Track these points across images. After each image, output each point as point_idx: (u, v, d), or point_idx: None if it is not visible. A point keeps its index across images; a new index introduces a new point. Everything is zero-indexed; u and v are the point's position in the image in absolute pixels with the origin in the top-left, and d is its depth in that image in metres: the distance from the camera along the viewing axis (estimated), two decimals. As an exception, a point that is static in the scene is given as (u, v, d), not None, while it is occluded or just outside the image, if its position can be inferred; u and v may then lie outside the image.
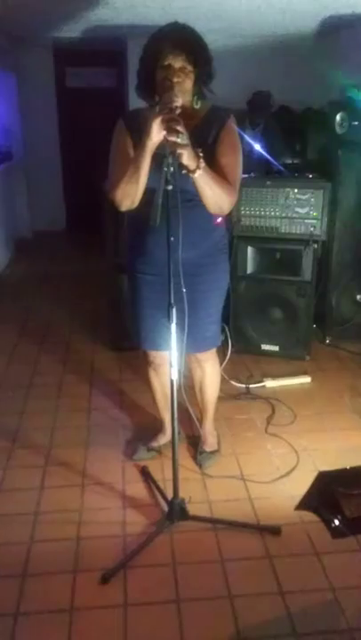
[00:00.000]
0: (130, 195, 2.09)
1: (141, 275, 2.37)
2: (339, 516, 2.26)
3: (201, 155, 1.97)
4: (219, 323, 2.54)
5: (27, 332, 4.26)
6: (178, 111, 1.91)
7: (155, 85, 2.08)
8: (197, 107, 2.16)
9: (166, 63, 2.03)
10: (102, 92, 7.07)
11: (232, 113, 2.21)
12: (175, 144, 1.86)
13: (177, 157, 1.89)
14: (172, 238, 1.98)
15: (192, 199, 2.09)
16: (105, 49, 6.53)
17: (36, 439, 2.91)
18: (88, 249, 6.10)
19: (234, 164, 2.17)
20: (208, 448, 2.74)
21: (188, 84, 2.06)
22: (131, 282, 2.46)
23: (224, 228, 2.44)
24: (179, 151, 1.88)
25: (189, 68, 2.04)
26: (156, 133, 1.91)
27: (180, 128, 1.87)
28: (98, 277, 4.95)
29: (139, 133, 2.03)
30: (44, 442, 2.88)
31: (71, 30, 5.56)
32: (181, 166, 1.94)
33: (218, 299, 2.47)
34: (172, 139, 1.86)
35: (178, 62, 2.03)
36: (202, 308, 2.35)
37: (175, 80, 2.02)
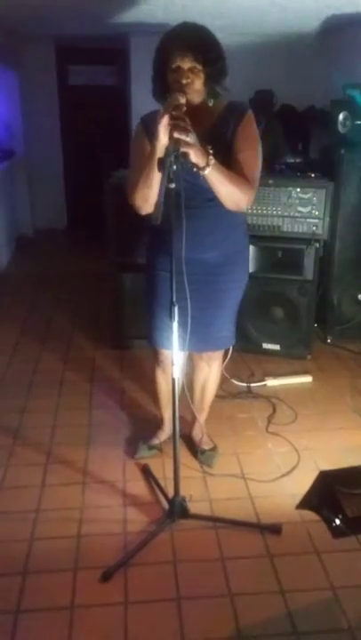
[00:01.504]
0: (147, 198, 2.09)
1: (160, 271, 2.36)
2: (339, 516, 2.26)
3: (211, 152, 1.96)
4: (234, 321, 2.54)
5: (28, 329, 4.26)
6: (183, 109, 1.92)
7: (168, 88, 2.08)
8: (211, 104, 2.15)
9: (175, 65, 2.03)
10: (104, 89, 7.05)
11: (249, 107, 2.20)
12: (181, 142, 1.85)
13: (183, 156, 1.88)
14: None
15: (213, 198, 2.08)
16: (107, 47, 6.52)
17: (37, 437, 2.91)
18: (89, 247, 6.10)
19: (251, 159, 2.15)
20: (206, 446, 2.75)
21: (198, 83, 2.06)
22: (148, 279, 2.45)
23: (244, 226, 2.43)
24: (185, 150, 1.87)
25: (199, 67, 2.03)
26: (164, 135, 1.90)
27: (186, 126, 1.86)
28: (99, 276, 4.96)
29: (153, 132, 2.03)
30: (44, 440, 2.88)
31: (73, 28, 5.55)
32: (191, 165, 1.93)
33: (236, 298, 2.47)
34: (182, 137, 1.85)
35: (186, 63, 2.02)
36: (221, 306, 2.35)
37: (184, 81, 2.02)
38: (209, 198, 2.07)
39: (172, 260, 1.98)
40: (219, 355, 2.61)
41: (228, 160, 2.04)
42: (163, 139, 1.91)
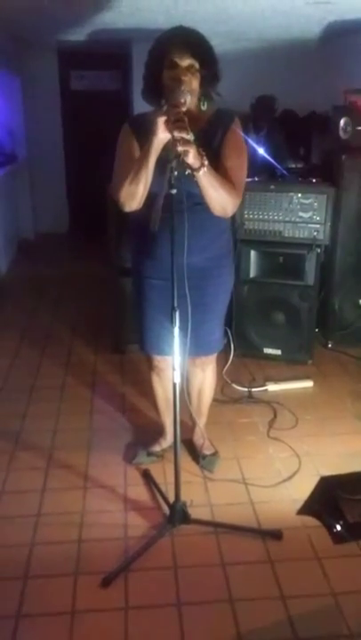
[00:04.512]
0: (134, 195, 2.08)
1: (148, 279, 2.37)
2: (340, 521, 2.27)
3: (204, 154, 1.97)
4: (223, 325, 2.55)
5: (29, 334, 4.26)
6: (184, 108, 1.92)
7: (161, 88, 2.08)
8: (204, 108, 2.16)
9: (173, 62, 2.03)
10: (107, 94, 7.09)
11: (237, 116, 2.22)
12: (183, 140, 1.85)
13: (183, 156, 1.88)
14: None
15: (200, 203, 2.09)
16: (110, 52, 6.54)
17: (37, 442, 2.91)
18: (91, 251, 6.10)
19: (238, 166, 2.17)
20: (207, 451, 2.74)
21: (195, 83, 2.07)
22: (136, 286, 2.46)
23: (230, 231, 2.44)
24: (185, 148, 1.86)
25: (196, 67, 2.05)
26: (162, 130, 1.91)
27: (185, 125, 1.87)
28: (100, 280, 4.96)
29: (144, 136, 2.03)
30: (45, 444, 2.88)
31: (76, 34, 5.57)
32: (186, 166, 1.94)
33: (224, 302, 2.48)
34: (183, 135, 1.85)
35: (185, 61, 2.03)
36: (209, 310, 2.36)
37: (183, 78, 2.02)
38: (196, 202, 2.07)
39: (173, 266, 1.99)
40: (212, 359, 2.61)
41: (214, 167, 2.04)
42: (161, 134, 1.91)
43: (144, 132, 2.06)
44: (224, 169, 2.12)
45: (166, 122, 1.89)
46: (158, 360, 2.56)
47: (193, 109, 2.10)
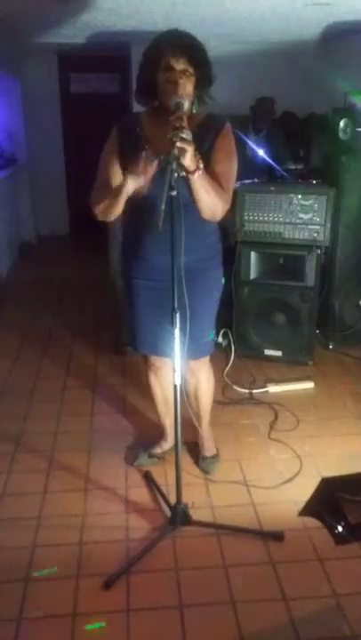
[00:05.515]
0: (109, 216, 2.19)
1: (136, 279, 2.37)
2: (342, 522, 2.27)
3: (199, 157, 1.98)
4: (214, 328, 2.53)
5: (30, 336, 4.27)
6: (183, 108, 1.94)
7: (155, 90, 2.09)
8: (195, 112, 2.16)
9: (168, 65, 2.04)
10: (106, 97, 7.10)
11: (227, 120, 2.23)
12: (183, 140, 1.85)
13: (180, 155, 1.87)
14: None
15: (187, 204, 2.08)
16: (109, 55, 6.56)
17: (39, 444, 2.91)
18: (91, 253, 6.10)
19: (228, 171, 2.18)
20: (208, 453, 2.74)
21: (190, 87, 2.07)
22: (128, 287, 2.46)
23: (217, 233, 2.44)
24: (183, 145, 1.86)
25: (190, 70, 2.05)
26: (131, 185, 2.00)
27: (183, 124, 1.88)
28: (101, 281, 4.96)
29: (131, 142, 2.06)
30: (47, 446, 2.88)
31: (75, 36, 5.59)
32: (181, 168, 1.93)
33: (213, 304, 2.46)
34: (183, 135, 1.85)
35: (180, 64, 2.04)
36: (199, 313, 2.34)
37: (178, 81, 2.03)
38: (184, 204, 2.07)
39: (173, 267, 1.99)
40: (205, 363, 2.57)
41: (206, 170, 2.05)
42: (130, 188, 2.02)
43: (131, 134, 2.11)
44: (214, 173, 2.11)
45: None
46: (155, 358, 2.56)
47: (185, 112, 2.10)
